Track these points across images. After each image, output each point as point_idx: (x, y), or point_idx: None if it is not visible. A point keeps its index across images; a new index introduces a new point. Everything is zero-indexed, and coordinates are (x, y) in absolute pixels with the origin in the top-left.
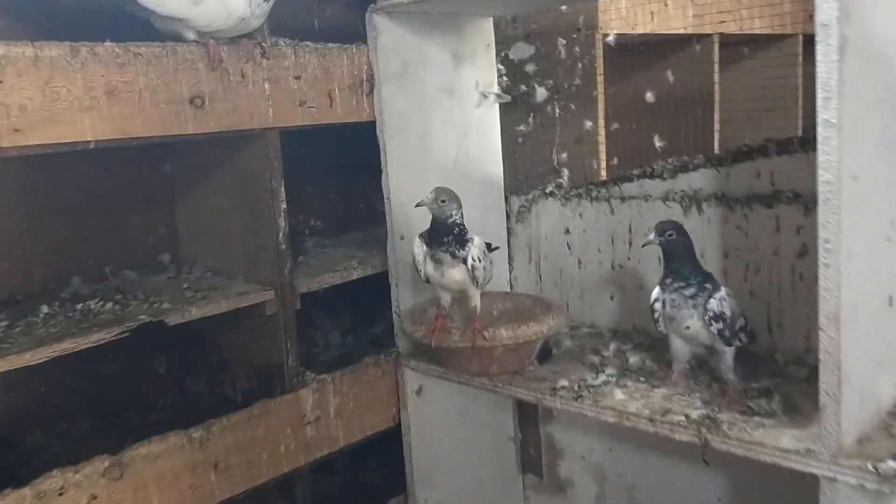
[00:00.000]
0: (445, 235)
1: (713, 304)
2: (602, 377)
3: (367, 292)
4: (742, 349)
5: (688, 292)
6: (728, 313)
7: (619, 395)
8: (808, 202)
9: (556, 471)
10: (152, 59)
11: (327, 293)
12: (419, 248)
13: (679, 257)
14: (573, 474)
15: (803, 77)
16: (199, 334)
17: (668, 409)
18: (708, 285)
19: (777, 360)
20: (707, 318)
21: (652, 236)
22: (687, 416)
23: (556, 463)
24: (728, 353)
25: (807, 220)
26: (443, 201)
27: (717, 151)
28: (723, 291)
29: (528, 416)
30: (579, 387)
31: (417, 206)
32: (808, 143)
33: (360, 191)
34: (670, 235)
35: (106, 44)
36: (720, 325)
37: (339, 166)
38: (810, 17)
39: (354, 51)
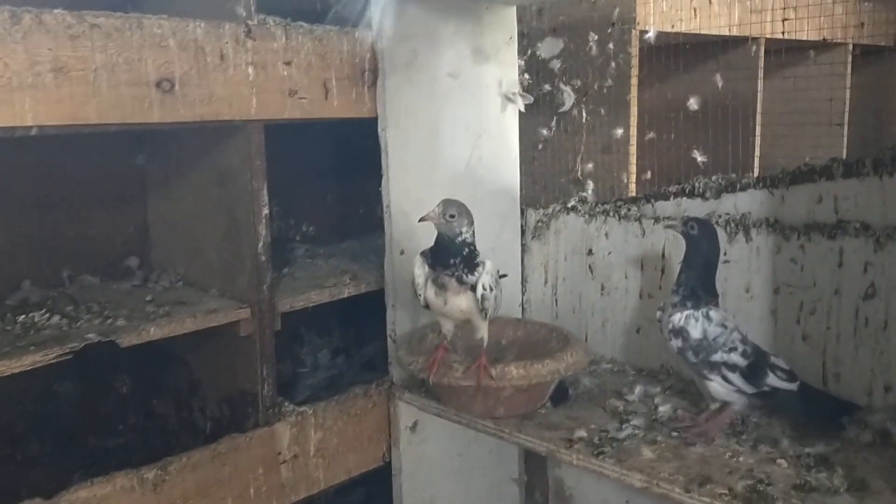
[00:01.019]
0: (452, 257)
1: (676, 317)
2: (627, 429)
3: (363, 307)
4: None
5: (674, 299)
6: (695, 335)
7: (647, 453)
8: (879, 235)
9: None
10: (112, 33)
11: (318, 308)
12: (420, 269)
13: (689, 257)
14: None
15: (851, 90)
16: (168, 350)
17: (708, 476)
18: (690, 302)
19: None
20: (667, 330)
21: (678, 222)
22: (730, 489)
23: None
24: (712, 388)
25: (877, 256)
26: (451, 216)
27: (756, 168)
28: (702, 311)
29: (535, 456)
30: (600, 440)
31: (421, 220)
32: (882, 164)
33: (360, 194)
34: (692, 228)
35: (56, 11)
36: (679, 343)
37: (339, 166)
38: (862, 25)
39: (356, 35)
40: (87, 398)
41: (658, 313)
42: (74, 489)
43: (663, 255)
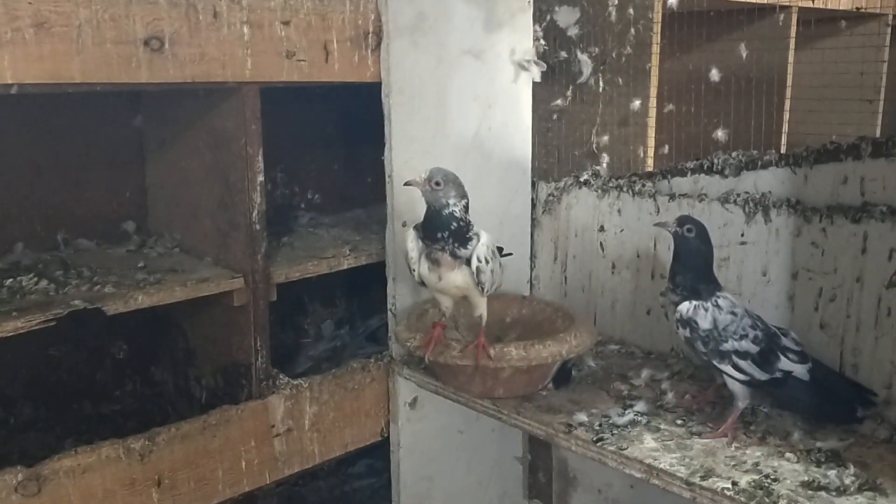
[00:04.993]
0: (440, 230)
1: (685, 307)
2: (629, 415)
3: (369, 278)
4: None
5: (674, 298)
6: (705, 326)
7: (649, 441)
8: None
9: (568, 501)
10: None
11: (323, 276)
12: (413, 243)
13: (685, 261)
14: None
15: (889, 64)
16: (166, 316)
17: (711, 468)
18: (693, 297)
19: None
20: (675, 320)
21: (670, 222)
22: (734, 483)
23: (567, 493)
24: (727, 378)
25: None
26: (437, 184)
27: (783, 145)
28: (711, 301)
29: None
30: (601, 425)
31: (406, 184)
32: None
33: (369, 162)
34: (689, 230)
35: None
36: (688, 333)
37: (348, 133)
38: None
39: None
40: (84, 363)
41: (661, 299)
42: (58, 458)
43: None
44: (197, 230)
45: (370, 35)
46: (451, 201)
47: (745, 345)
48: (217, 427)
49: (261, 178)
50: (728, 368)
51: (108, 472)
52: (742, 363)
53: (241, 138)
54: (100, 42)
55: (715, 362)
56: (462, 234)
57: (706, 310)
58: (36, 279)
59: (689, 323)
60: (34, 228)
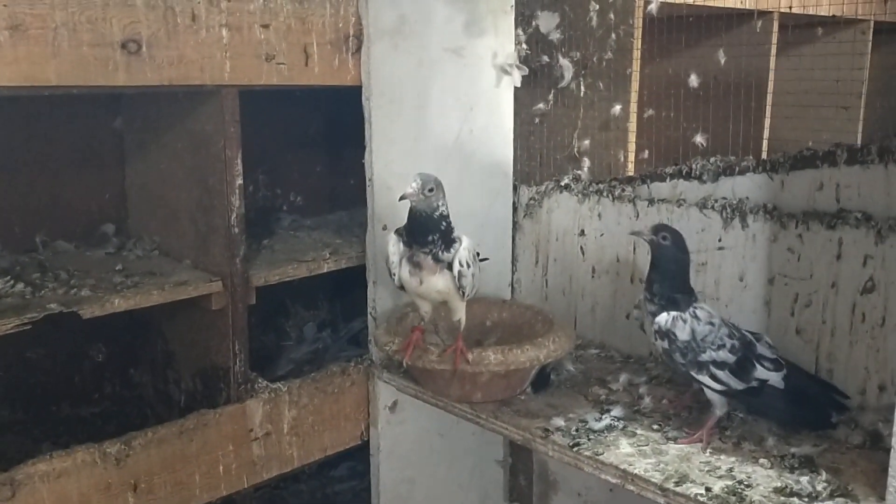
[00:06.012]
0: (431, 233)
1: (663, 319)
2: (606, 419)
3: (352, 280)
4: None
5: (651, 308)
6: (683, 337)
7: (624, 446)
8: (881, 227)
9: None
10: None
11: (306, 279)
12: (394, 248)
13: (662, 269)
14: None
15: (870, 70)
16: (145, 319)
17: (686, 474)
18: (671, 307)
19: None
20: (653, 332)
21: (645, 230)
22: (708, 489)
23: (547, 496)
24: (705, 388)
25: (878, 249)
26: (430, 190)
27: (764, 151)
28: (689, 311)
29: None
30: (577, 430)
31: (402, 199)
32: (888, 152)
33: (352, 165)
34: (664, 238)
35: None
36: (666, 345)
37: (331, 135)
38: (885, 0)
39: None
40: (62, 366)
41: (636, 311)
42: (32, 462)
43: None
44: (176, 233)
45: (351, 38)
46: (440, 202)
47: (723, 355)
48: (194, 431)
49: (239, 181)
50: (706, 379)
51: (84, 477)
52: (719, 373)
53: (220, 141)
54: (76, 45)
55: (693, 373)
56: (449, 234)
57: (684, 321)
58: (12, 282)
59: (667, 335)
60: (12, 230)
